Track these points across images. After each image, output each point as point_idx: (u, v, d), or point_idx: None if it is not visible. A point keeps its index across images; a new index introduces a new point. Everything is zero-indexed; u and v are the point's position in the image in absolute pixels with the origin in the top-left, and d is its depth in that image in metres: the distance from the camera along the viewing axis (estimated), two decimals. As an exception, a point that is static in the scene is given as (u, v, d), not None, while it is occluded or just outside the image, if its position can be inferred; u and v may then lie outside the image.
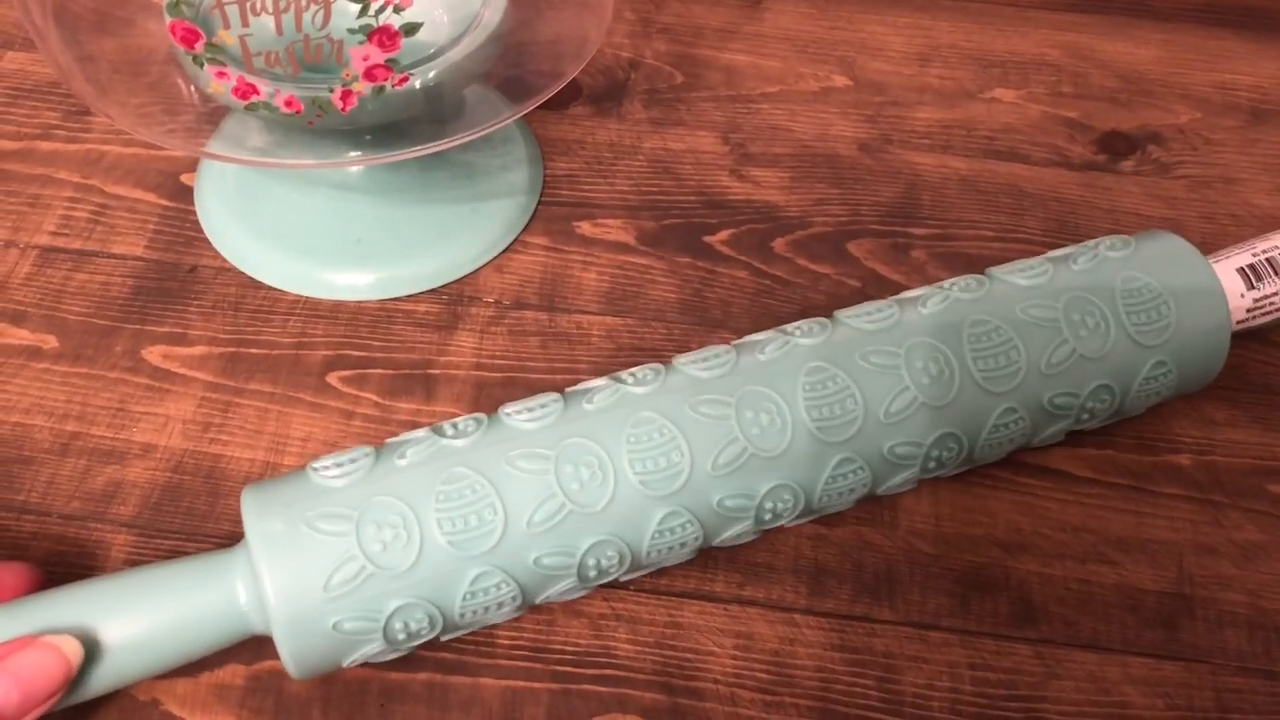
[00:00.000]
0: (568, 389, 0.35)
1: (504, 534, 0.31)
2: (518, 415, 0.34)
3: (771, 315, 0.43)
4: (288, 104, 0.34)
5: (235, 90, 0.34)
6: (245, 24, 0.31)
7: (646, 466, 0.32)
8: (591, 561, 0.33)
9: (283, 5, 0.31)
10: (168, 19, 0.32)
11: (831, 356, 0.35)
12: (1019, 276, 0.38)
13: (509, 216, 0.46)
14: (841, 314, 0.37)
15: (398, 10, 0.32)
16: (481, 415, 0.34)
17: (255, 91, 0.34)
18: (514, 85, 0.41)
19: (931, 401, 0.35)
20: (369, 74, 0.33)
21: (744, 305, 0.44)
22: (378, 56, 0.33)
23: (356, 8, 0.32)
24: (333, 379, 0.41)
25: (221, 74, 0.33)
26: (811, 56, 0.53)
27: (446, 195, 0.45)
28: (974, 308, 0.37)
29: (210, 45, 0.32)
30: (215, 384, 0.41)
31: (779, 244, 0.46)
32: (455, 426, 0.34)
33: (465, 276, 0.44)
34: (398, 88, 0.34)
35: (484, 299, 0.44)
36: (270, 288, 0.43)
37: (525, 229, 0.46)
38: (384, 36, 0.32)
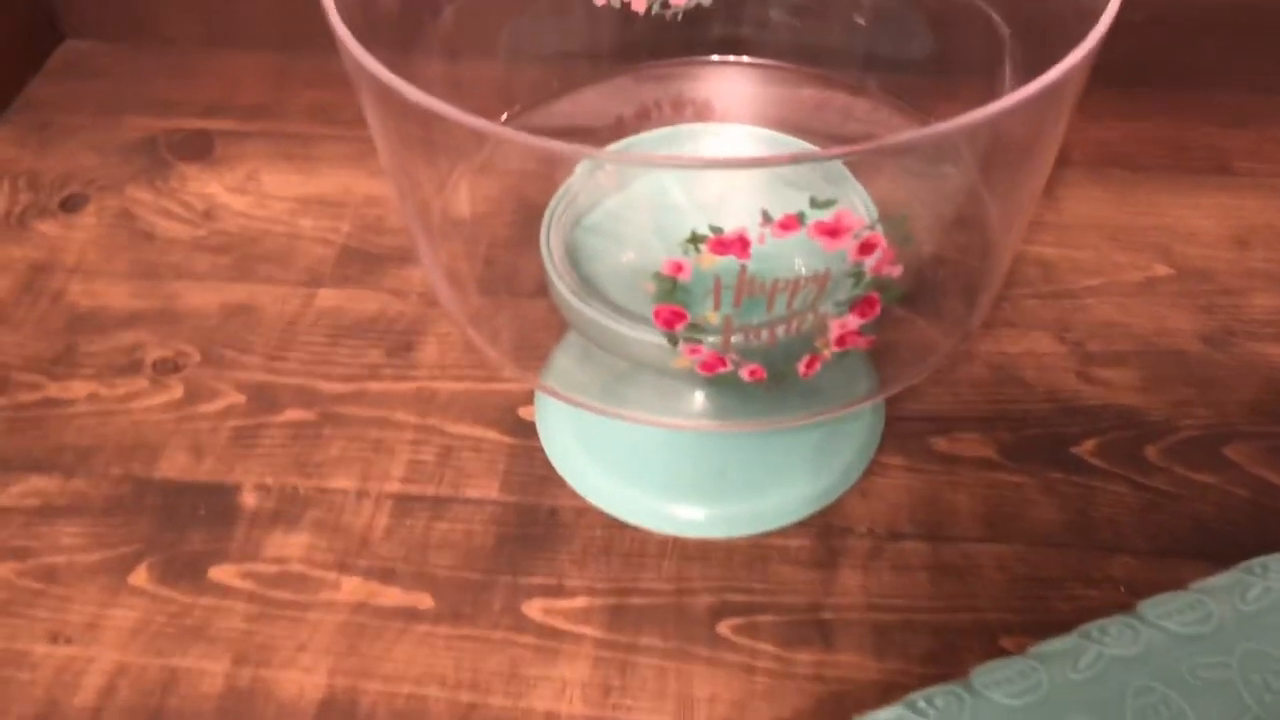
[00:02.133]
0: (1034, 648, 0.33)
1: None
2: (999, 690, 0.31)
3: (1166, 534, 0.41)
4: (752, 374, 0.33)
5: (703, 364, 0.33)
6: (738, 304, 0.30)
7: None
8: None
9: (781, 285, 0.30)
10: (654, 305, 0.31)
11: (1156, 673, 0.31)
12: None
13: (862, 438, 0.44)
14: (1150, 612, 0.33)
15: (886, 280, 0.31)
16: (958, 689, 0.32)
17: (723, 364, 0.33)
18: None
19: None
20: (840, 340, 0.32)
21: (1133, 525, 0.41)
22: (854, 324, 0.32)
23: (849, 282, 0.30)
24: (723, 628, 0.39)
25: (695, 350, 0.32)
26: (1124, 245, 0.52)
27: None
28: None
29: (692, 325, 0.31)
30: (605, 640, 0.39)
31: (1151, 452, 0.44)
32: (933, 705, 0.31)
33: (830, 505, 0.42)
34: (864, 349, 0.33)
35: (856, 530, 0.42)
36: (636, 529, 0.42)
37: (879, 449, 0.44)
38: (866, 306, 0.31)
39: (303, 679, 0.38)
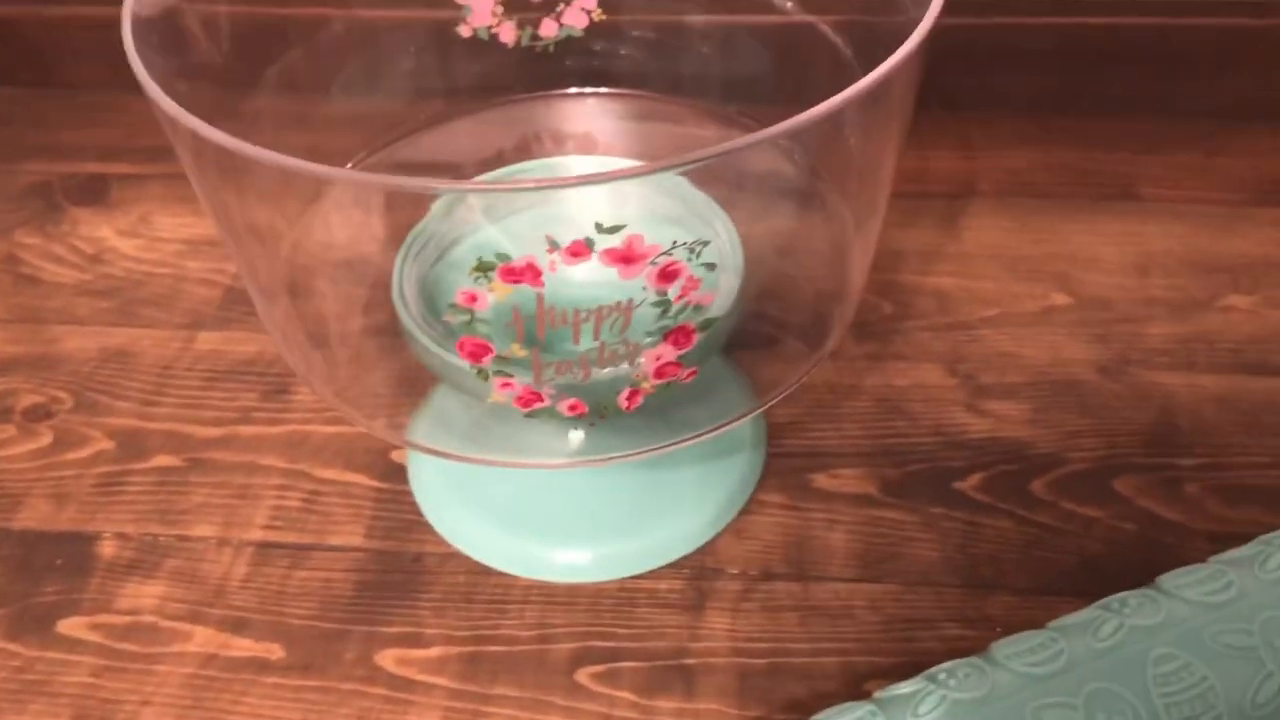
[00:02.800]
0: (878, 693, 0.32)
1: None
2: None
3: (1050, 570, 0.39)
4: (571, 409, 0.32)
5: (519, 399, 0.31)
6: (541, 335, 0.29)
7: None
8: None
9: (583, 316, 0.28)
10: (457, 336, 0.30)
11: (1178, 641, 0.31)
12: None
13: (740, 475, 0.43)
14: (1169, 583, 0.33)
15: (699, 309, 0.30)
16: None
17: (539, 399, 0.31)
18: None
19: (1302, 687, 0.30)
20: (659, 372, 0.31)
21: (1015, 561, 0.40)
22: (670, 355, 0.30)
23: (656, 311, 0.29)
24: (582, 676, 0.38)
25: (506, 384, 0.31)
26: (1023, 275, 0.50)
27: (673, 457, 0.42)
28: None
29: (499, 359, 0.30)
30: (459, 690, 0.37)
31: (1037, 486, 0.42)
32: None
33: (703, 546, 0.41)
34: (686, 381, 0.32)
35: (728, 570, 0.40)
36: (500, 575, 0.40)
37: (758, 486, 0.43)
38: (680, 335, 0.30)
39: (143, 736, 0.37)
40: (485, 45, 0.43)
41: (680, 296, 0.29)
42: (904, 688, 0.31)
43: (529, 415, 0.33)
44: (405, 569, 0.41)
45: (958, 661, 0.32)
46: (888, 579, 0.40)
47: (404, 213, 0.39)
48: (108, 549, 0.42)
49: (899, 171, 0.53)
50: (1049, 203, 0.54)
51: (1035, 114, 0.59)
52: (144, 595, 0.40)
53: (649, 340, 0.30)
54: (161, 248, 0.54)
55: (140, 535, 0.42)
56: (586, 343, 0.29)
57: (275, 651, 0.39)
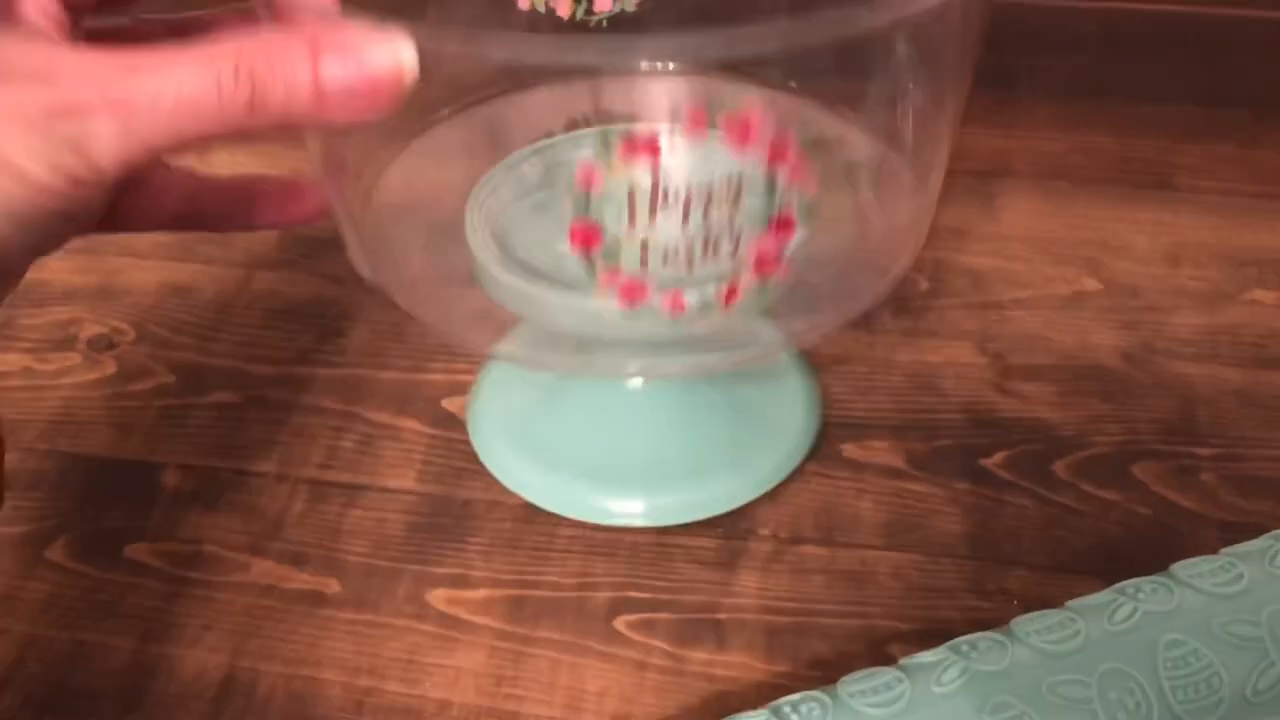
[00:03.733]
0: (903, 660, 0.34)
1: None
2: (863, 699, 0.32)
3: (1067, 550, 0.41)
4: (673, 304, 0.32)
5: (623, 292, 0.32)
6: (653, 216, 0.30)
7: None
8: None
9: (694, 194, 0.30)
10: (571, 220, 0.31)
11: (1188, 628, 0.33)
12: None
13: (790, 445, 0.44)
14: (1183, 572, 0.35)
15: (802, 196, 0.31)
16: (823, 696, 0.32)
17: (643, 293, 0.32)
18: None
19: (1301, 675, 0.33)
20: (759, 264, 0.32)
21: (1034, 539, 0.42)
22: (772, 246, 0.31)
23: (764, 196, 0.31)
24: (620, 624, 0.40)
25: (613, 274, 0.32)
26: (1056, 258, 0.52)
27: (731, 418, 0.44)
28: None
29: (609, 247, 0.31)
30: (504, 631, 0.40)
31: (1059, 467, 0.44)
32: (798, 711, 0.32)
33: (741, 507, 0.43)
34: (783, 280, 0.33)
35: (759, 531, 0.42)
36: (544, 523, 0.43)
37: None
38: (782, 225, 0.31)
39: (206, 658, 0.39)
40: (541, 19, 0.44)
41: (789, 180, 0.30)
42: (928, 656, 0.34)
43: (629, 318, 0.33)
44: (454, 513, 0.43)
45: (979, 634, 0.34)
46: (911, 549, 0.42)
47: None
48: (171, 479, 0.44)
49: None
50: (1084, 188, 0.55)
51: (1075, 97, 0.60)
52: (205, 526, 0.43)
53: (753, 225, 0.31)
54: (219, 185, 0.56)
55: (202, 467, 0.44)
56: (695, 222, 0.30)
57: (331, 586, 0.41)
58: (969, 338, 0.49)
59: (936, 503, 0.43)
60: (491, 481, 0.44)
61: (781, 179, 0.30)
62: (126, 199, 0.32)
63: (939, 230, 0.53)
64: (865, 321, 0.50)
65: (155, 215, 0.33)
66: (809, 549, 0.42)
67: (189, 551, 0.42)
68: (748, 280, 0.33)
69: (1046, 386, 0.47)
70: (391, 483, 0.44)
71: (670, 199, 0.30)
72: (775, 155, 0.29)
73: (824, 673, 0.38)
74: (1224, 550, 0.36)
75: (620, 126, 0.28)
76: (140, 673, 0.39)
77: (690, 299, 0.33)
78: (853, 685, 0.33)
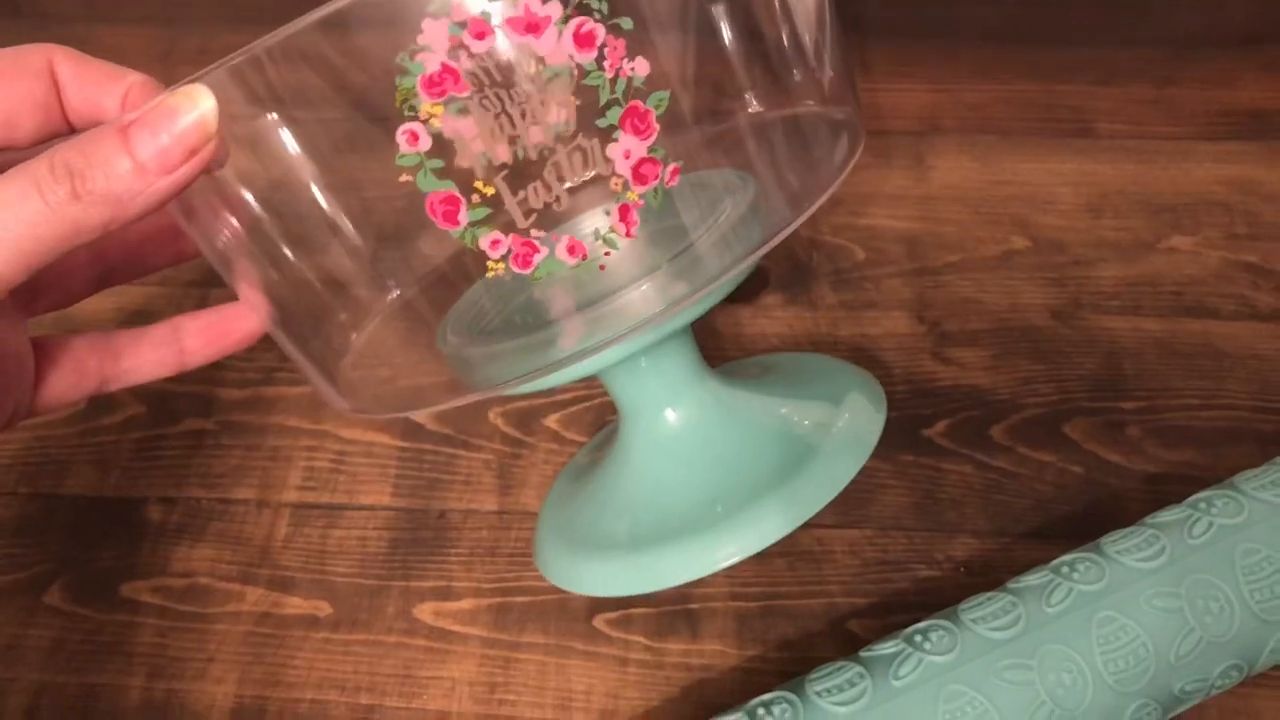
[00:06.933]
0: (863, 652, 0.37)
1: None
2: (829, 698, 0.35)
3: (1007, 514, 0.45)
4: (571, 250, 0.31)
5: (515, 258, 0.31)
6: (497, 152, 0.29)
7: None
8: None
9: (522, 99, 0.28)
10: (424, 190, 0.29)
11: (1120, 605, 0.36)
12: (1273, 494, 0.39)
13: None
14: (1110, 548, 0.38)
15: (640, 82, 0.29)
16: (792, 696, 0.36)
17: (535, 250, 0.31)
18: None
19: (1215, 639, 0.36)
20: (638, 174, 0.31)
21: (977, 505, 0.45)
22: (638, 148, 0.30)
23: (596, 93, 0.29)
24: (599, 623, 0.43)
25: (496, 243, 0.31)
26: (985, 217, 0.54)
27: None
28: (1243, 534, 0.38)
29: (474, 207, 0.30)
30: (491, 639, 0.42)
31: (997, 432, 0.47)
32: (770, 712, 0.35)
33: (700, 496, 0.46)
34: (672, 183, 0.31)
35: (723, 519, 0.45)
36: (520, 528, 0.45)
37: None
38: (635, 119, 0.30)
39: (213, 689, 0.41)
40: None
41: (613, 66, 0.29)
42: (886, 648, 0.37)
43: (536, 278, 0.32)
44: (432, 526, 0.45)
45: (929, 622, 0.37)
46: (864, 524, 0.45)
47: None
48: (155, 513, 0.46)
49: (871, 108, 0.56)
50: (1009, 140, 0.57)
51: (998, 44, 0.61)
52: (195, 558, 0.45)
53: (603, 125, 0.30)
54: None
55: (184, 499, 0.46)
56: (541, 138, 0.29)
57: (323, 608, 0.43)
58: (906, 307, 0.51)
59: (884, 477, 0.46)
60: (464, 491, 0.46)
61: (606, 68, 0.29)
62: (35, 303, 0.34)
63: (873, 197, 0.55)
64: (807, 298, 0.52)
65: (73, 292, 0.35)
66: (769, 532, 0.45)
67: (182, 585, 0.44)
68: (636, 195, 0.31)
69: (981, 351, 0.49)
70: (369, 499, 0.46)
71: (503, 125, 0.28)
72: (582, 43, 0.28)
73: (791, 653, 0.42)
74: (1146, 520, 0.39)
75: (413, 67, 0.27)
76: (153, 711, 0.41)
77: (585, 239, 0.32)
78: (819, 684, 0.36)
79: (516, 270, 0.31)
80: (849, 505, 0.45)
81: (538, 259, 0.31)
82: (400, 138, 0.28)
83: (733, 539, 0.37)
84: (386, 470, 0.47)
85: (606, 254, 0.32)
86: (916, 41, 0.61)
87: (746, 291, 0.52)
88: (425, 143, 0.29)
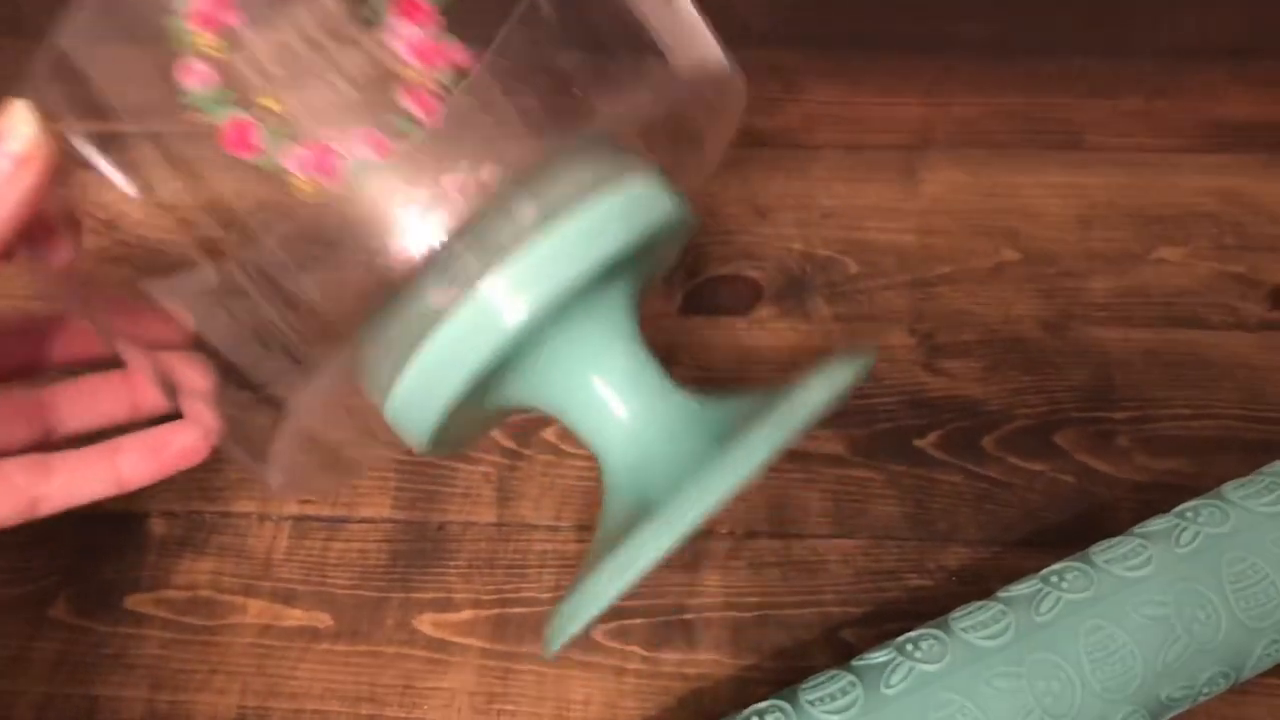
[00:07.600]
0: (854, 661, 0.38)
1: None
2: (821, 706, 0.36)
3: (998, 523, 0.45)
4: (374, 144, 0.29)
5: (318, 166, 0.29)
6: (276, 67, 0.28)
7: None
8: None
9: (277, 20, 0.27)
10: (218, 123, 0.28)
11: (1107, 613, 0.37)
12: (1259, 504, 0.39)
13: None
14: (1099, 557, 0.39)
15: None
16: (786, 705, 0.36)
17: (336, 156, 0.28)
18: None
19: (1202, 646, 0.37)
20: (422, 55, 0.29)
21: (968, 515, 0.46)
22: (414, 33, 0.29)
23: None
24: (597, 633, 0.43)
25: (290, 152, 0.29)
26: (976, 229, 0.55)
27: None
28: (1229, 543, 0.38)
29: (270, 130, 0.28)
30: (490, 650, 0.43)
31: (988, 442, 0.48)
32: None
33: (696, 507, 0.46)
34: (465, 68, 0.29)
35: (718, 530, 0.46)
36: (518, 540, 0.46)
37: (742, 449, 0.48)
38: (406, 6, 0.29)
39: (216, 701, 0.42)
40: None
41: None
42: (877, 657, 0.37)
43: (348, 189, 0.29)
44: (431, 537, 0.46)
45: (920, 631, 0.38)
46: (857, 534, 0.45)
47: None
48: (158, 527, 0.46)
49: (863, 122, 0.57)
50: (1000, 153, 0.58)
51: (988, 58, 0.62)
52: (198, 571, 0.45)
53: (370, 19, 0.29)
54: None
55: (186, 513, 0.47)
56: (301, 30, 0.28)
57: (324, 620, 0.44)
58: (899, 319, 0.52)
59: (877, 487, 0.47)
60: (463, 503, 0.47)
61: None
62: None
63: (866, 210, 0.56)
64: (802, 311, 0.52)
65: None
66: (764, 543, 0.45)
67: (185, 598, 0.45)
68: (428, 79, 0.29)
69: (972, 362, 0.50)
70: (369, 512, 0.47)
71: (271, 45, 0.27)
72: None
73: (785, 663, 0.42)
74: (1135, 529, 0.40)
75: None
76: (156, 722, 0.42)
77: (383, 131, 0.29)
78: (811, 693, 0.36)
79: (323, 186, 0.29)
80: (842, 516, 0.46)
81: (335, 165, 0.29)
82: (179, 75, 0.27)
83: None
84: (386, 483, 0.47)
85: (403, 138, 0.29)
86: (908, 56, 0.62)
87: (741, 305, 0.52)
88: (203, 81, 0.28)
